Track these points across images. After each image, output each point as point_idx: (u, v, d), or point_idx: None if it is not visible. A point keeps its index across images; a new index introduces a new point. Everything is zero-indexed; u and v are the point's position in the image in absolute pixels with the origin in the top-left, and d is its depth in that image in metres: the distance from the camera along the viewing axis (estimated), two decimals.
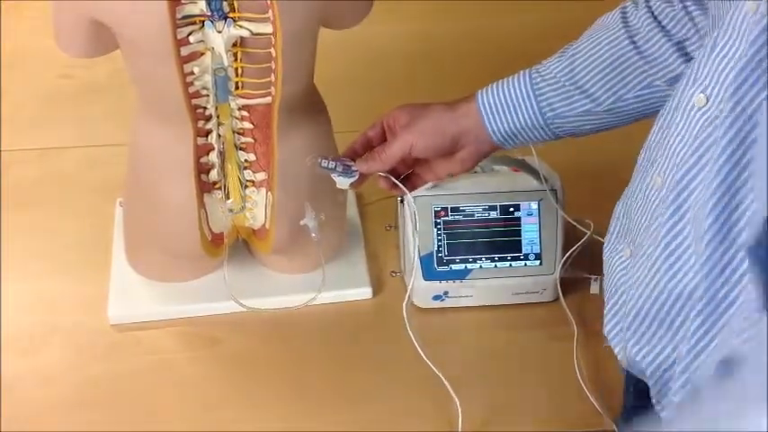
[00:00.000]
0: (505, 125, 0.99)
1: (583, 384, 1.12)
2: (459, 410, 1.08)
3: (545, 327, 1.19)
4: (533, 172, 1.19)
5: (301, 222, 1.09)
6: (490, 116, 0.99)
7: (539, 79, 0.99)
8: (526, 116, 0.99)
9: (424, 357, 1.08)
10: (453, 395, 1.08)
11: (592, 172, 1.35)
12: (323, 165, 1.00)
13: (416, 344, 1.08)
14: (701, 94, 0.75)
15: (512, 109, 0.99)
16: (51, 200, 1.35)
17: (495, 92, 1.00)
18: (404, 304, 1.10)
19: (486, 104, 0.99)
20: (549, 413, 1.11)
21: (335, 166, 0.99)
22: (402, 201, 1.19)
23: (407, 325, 1.07)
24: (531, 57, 1.02)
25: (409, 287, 1.14)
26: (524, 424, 1.10)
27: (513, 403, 1.12)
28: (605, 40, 0.97)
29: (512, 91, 0.99)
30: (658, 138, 0.82)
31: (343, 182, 1.01)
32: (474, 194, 1.18)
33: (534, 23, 1.67)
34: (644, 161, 0.86)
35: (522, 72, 1.01)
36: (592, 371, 1.14)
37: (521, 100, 0.99)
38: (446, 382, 1.08)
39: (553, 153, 1.18)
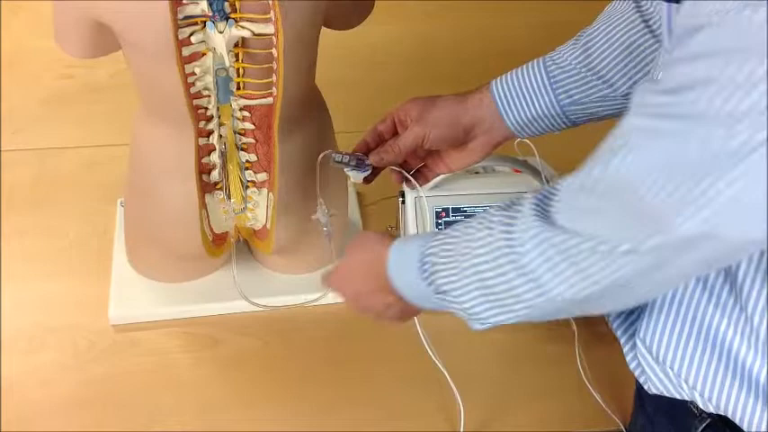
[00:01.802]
0: (522, 113, 0.98)
1: (588, 384, 1.12)
2: (462, 410, 1.08)
3: (545, 327, 1.19)
4: (535, 173, 1.19)
5: (313, 217, 1.09)
6: (506, 105, 0.98)
7: (553, 66, 0.98)
8: (542, 104, 0.98)
9: (433, 356, 1.08)
10: (457, 394, 1.08)
11: None
12: (336, 159, 1.00)
13: (425, 343, 1.08)
14: (660, 72, 0.78)
15: (528, 97, 0.98)
16: (51, 200, 1.35)
17: (510, 81, 0.99)
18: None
19: (502, 93, 0.98)
20: (550, 413, 1.11)
21: (349, 160, 0.99)
22: (404, 201, 1.19)
23: (418, 324, 1.07)
24: (533, 57, 1.02)
25: None
26: (526, 424, 1.10)
27: (515, 403, 1.12)
28: (620, 24, 0.96)
29: (526, 79, 0.98)
30: None
31: (356, 176, 1.01)
32: (475, 195, 1.18)
33: (535, 24, 1.67)
34: None
35: (535, 60, 0.99)
36: (595, 370, 1.14)
37: (536, 88, 0.98)
38: (451, 381, 1.08)
39: (555, 154, 1.18)
